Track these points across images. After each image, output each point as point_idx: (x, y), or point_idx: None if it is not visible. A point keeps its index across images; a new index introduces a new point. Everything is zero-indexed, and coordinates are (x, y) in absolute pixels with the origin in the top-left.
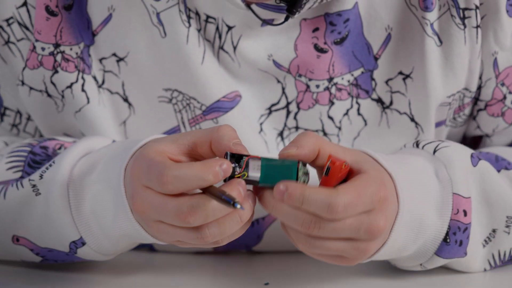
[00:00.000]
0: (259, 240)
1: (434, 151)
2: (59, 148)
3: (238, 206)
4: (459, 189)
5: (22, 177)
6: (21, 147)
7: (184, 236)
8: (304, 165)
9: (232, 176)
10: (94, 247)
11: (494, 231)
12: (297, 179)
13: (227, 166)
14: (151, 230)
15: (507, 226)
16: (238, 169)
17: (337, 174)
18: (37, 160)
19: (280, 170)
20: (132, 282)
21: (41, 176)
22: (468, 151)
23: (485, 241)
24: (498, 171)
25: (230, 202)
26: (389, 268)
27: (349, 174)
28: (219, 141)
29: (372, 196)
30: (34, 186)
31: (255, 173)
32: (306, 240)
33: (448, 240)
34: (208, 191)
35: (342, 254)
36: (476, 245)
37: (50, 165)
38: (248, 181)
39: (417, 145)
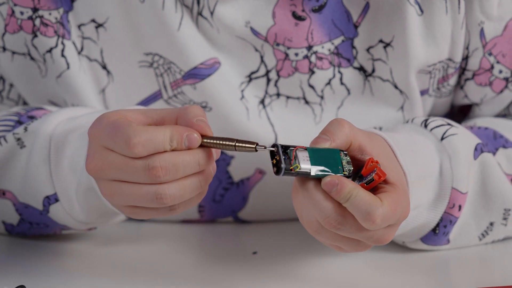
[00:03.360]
0: (245, 202)
1: (442, 138)
2: None
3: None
4: (458, 184)
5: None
6: (8, 116)
7: (140, 196)
8: (346, 154)
9: (287, 169)
10: (66, 207)
11: (491, 224)
12: (343, 169)
13: (195, 137)
14: (105, 191)
15: (505, 219)
16: (286, 161)
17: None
18: None
19: (326, 161)
20: (119, 252)
21: (25, 129)
22: (474, 141)
23: (482, 234)
24: (496, 149)
25: (253, 144)
26: None
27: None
28: (183, 116)
29: (401, 214)
30: (18, 139)
31: (306, 164)
32: (317, 228)
33: (437, 231)
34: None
35: (342, 246)
36: (470, 238)
37: (36, 119)
38: (299, 173)
39: (425, 125)
